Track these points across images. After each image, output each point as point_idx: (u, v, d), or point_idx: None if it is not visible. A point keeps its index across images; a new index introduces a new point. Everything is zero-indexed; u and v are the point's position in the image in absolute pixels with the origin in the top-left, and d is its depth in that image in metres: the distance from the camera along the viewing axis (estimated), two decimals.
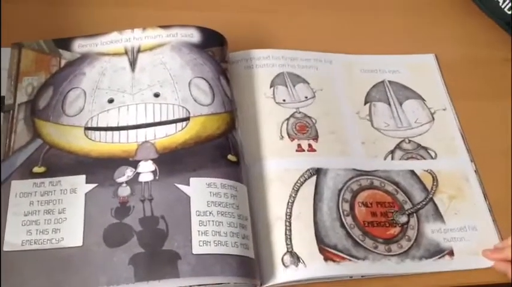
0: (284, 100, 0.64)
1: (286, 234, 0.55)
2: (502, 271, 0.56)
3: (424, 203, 0.60)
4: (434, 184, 0.62)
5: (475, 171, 0.63)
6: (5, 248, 0.49)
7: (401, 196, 0.60)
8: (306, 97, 0.65)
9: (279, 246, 0.54)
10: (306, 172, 0.59)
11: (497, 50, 0.74)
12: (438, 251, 0.57)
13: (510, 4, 0.71)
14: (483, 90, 0.71)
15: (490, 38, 0.75)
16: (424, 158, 0.63)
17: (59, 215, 0.51)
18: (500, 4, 0.72)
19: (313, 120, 0.63)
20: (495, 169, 0.64)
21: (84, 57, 0.60)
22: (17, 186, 0.52)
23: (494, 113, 0.69)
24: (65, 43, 0.61)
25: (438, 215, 0.59)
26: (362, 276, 0.55)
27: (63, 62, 0.59)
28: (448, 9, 0.78)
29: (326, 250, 0.54)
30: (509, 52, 0.73)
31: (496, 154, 0.65)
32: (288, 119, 0.62)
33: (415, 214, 0.59)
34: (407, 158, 0.63)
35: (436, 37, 0.75)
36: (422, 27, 0.76)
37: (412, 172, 0.62)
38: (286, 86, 0.65)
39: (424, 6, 0.78)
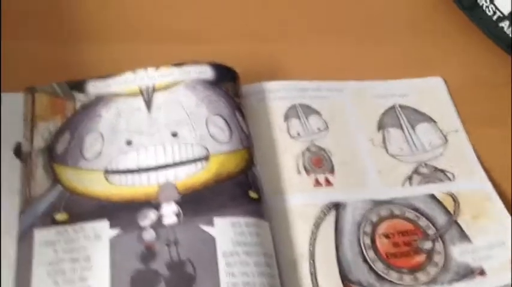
0: (298, 133, 0.64)
1: (311, 272, 0.54)
2: None
3: (447, 226, 0.60)
4: (456, 205, 0.62)
5: (495, 190, 0.63)
6: None
7: (423, 222, 0.60)
8: (319, 129, 0.65)
9: (304, 284, 0.54)
10: (325, 207, 0.58)
11: (502, 73, 0.75)
12: (468, 273, 0.57)
13: None
14: (491, 113, 0.71)
15: (495, 62, 0.76)
16: (442, 181, 0.64)
17: (85, 263, 0.50)
18: (505, 30, 0.73)
19: (328, 153, 0.63)
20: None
21: (99, 99, 0.59)
22: (41, 235, 0.51)
23: (505, 136, 0.69)
24: (79, 85, 0.60)
25: (464, 236, 0.59)
26: None
27: (78, 105, 0.59)
28: (454, 33, 0.78)
29: (351, 286, 0.54)
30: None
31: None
32: (303, 153, 0.62)
33: (439, 239, 0.59)
34: (426, 183, 0.63)
35: (442, 61, 0.75)
36: (429, 52, 0.76)
37: (432, 196, 0.62)
38: (299, 118, 0.65)
39: (428, 31, 0.78)
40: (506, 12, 0.72)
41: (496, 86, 0.74)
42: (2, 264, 0.50)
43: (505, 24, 0.72)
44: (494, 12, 0.73)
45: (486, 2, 0.74)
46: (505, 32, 0.73)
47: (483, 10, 0.75)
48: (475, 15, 0.76)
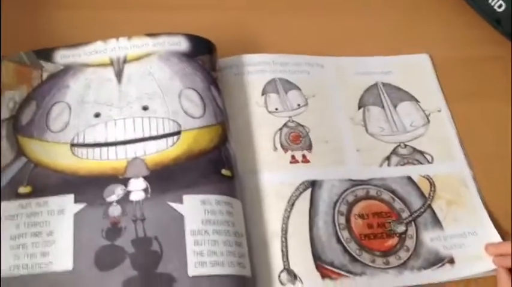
0: (276, 109, 0.62)
1: (282, 251, 0.53)
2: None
3: (422, 210, 0.59)
4: (432, 189, 0.60)
5: (472, 175, 0.62)
6: None
7: (398, 204, 0.59)
8: (299, 105, 0.63)
9: (275, 263, 0.53)
10: (301, 184, 0.57)
11: (487, 48, 0.73)
12: (438, 260, 0.56)
13: (499, 2, 0.70)
14: (476, 89, 0.70)
15: (481, 36, 0.74)
16: (421, 163, 0.62)
17: (47, 237, 0.48)
18: (490, 1, 0.70)
19: (307, 130, 0.61)
20: (492, 171, 0.63)
21: (68, 69, 0.57)
22: (3, 208, 0.49)
23: (489, 113, 0.67)
24: (46, 54, 0.58)
25: (437, 222, 0.58)
26: None
27: (45, 75, 0.57)
28: (438, 8, 0.76)
29: (323, 266, 0.53)
30: (499, 49, 0.72)
31: (492, 156, 0.64)
32: (281, 129, 0.60)
33: (413, 222, 0.58)
34: (404, 164, 0.62)
35: (427, 37, 0.73)
36: (414, 27, 0.74)
37: (409, 178, 0.61)
38: (278, 94, 0.63)
39: (415, 6, 0.76)
40: None
41: (481, 61, 0.72)
42: None
43: None
44: None
45: None
46: (490, 4, 0.71)
47: None
48: None
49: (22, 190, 0.50)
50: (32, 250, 0.48)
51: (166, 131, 0.54)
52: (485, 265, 0.56)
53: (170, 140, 0.53)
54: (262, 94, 0.63)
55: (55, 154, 0.52)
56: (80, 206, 0.50)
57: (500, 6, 0.69)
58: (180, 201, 0.50)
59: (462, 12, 0.75)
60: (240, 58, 0.65)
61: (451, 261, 0.56)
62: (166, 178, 0.51)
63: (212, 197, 0.51)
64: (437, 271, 0.55)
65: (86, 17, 0.64)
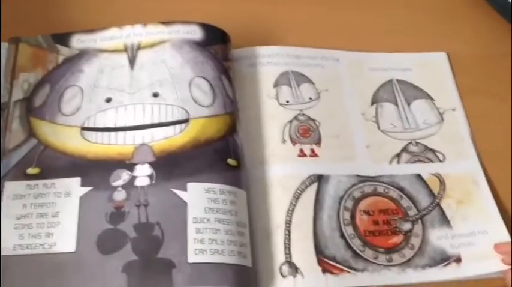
0: (287, 101, 0.62)
1: (285, 243, 0.53)
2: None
3: (430, 208, 0.58)
4: (442, 188, 0.60)
5: (485, 174, 0.61)
6: None
7: (406, 202, 0.58)
8: (310, 98, 0.63)
9: (277, 255, 0.53)
10: (308, 178, 0.57)
11: (506, 46, 0.72)
12: (444, 259, 0.55)
13: None
14: (492, 88, 0.68)
15: (499, 35, 0.73)
16: (432, 161, 0.61)
17: (52, 218, 0.49)
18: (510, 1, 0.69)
19: (317, 124, 0.61)
20: (505, 171, 0.62)
21: (83, 54, 0.58)
22: (11, 187, 0.50)
23: (505, 113, 0.66)
24: (63, 38, 0.59)
25: (445, 221, 0.58)
26: None
27: (60, 59, 0.58)
28: (458, 6, 0.75)
29: (325, 261, 0.53)
30: None
31: (505, 155, 0.63)
32: (290, 122, 0.60)
33: (420, 221, 0.57)
34: (414, 162, 0.61)
35: (447, 35, 0.72)
36: (433, 25, 0.73)
37: (419, 176, 0.60)
38: (291, 86, 0.63)
39: (434, 3, 0.75)
40: None
41: (499, 59, 0.71)
42: None
43: None
44: None
45: None
46: (509, 2, 0.69)
47: None
48: None
49: (30, 170, 0.51)
50: (36, 231, 0.49)
51: (175, 119, 0.54)
52: (493, 264, 0.55)
53: (178, 127, 0.54)
54: (274, 86, 0.63)
55: (65, 136, 0.53)
56: (86, 189, 0.51)
57: None
58: (184, 188, 0.50)
59: (482, 10, 0.74)
60: (254, 50, 0.65)
61: (458, 260, 0.55)
62: (172, 165, 0.52)
63: (216, 185, 0.51)
64: (443, 269, 0.55)
65: (102, 2, 0.65)
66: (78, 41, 0.59)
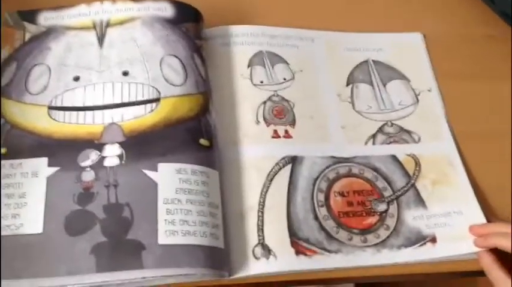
0: (262, 82, 0.61)
1: (258, 225, 0.53)
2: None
3: (405, 189, 0.58)
4: (417, 169, 0.59)
5: (460, 155, 0.61)
6: None
7: (381, 183, 0.58)
8: (285, 79, 0.62)
9: (250, 237, 0.52)
10: (281, 160, 0.56)
11: (480, 27, 0.72)
12: (419, 239, 0.55)
13: None
14: (467, 69, 0.68)
15: (474, 15, 0.73)
16: (407, 142, 0.61)
17: (19, 199, 0.48)
18: None
19: (291, 104, 0.60)
20: (480, 151, 0.62)
21: (50, 31, 0.56)
22: None
23: (481, 94, 0.66)
24: (30, 16, 0.57)
25: (420, 201, 0.57)
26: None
27: (27, 36, 0.56)
28: None
29: (298, 243, 0.52)
30: (492, 28, 0.71)
31: (480, 136, 0.62)
32: (264, 103, 0.59)
33: (395, 201, 0.57)
34: (389, 143, 0.61)
35: (421, 15, 0.72)
36: (407, 5, 0.72)
37: (394, 157, 0.60)
38: (265, 67, 0.62)
39: None
40: None
41: (474, 40, 0.71)
42: None
43: None
44: None
45: None
46: None
47: None
48: None
49: None
50: (3, 212, 0.47)
51: (145, 98, 0.53)
52: (468, 246, 0.55)
53: (149, 106, 0.52)
54: (248, 66, 0.62)
55: (32, 116, 0.52)
56: (54, 169, 0.49)
57: None
58: (155, 169, 0.49)
59: None
60: (228, 28, 0.63)
61: (433, 240, 0.55)
62: (142, 145, 0.50)
63: (188, 166, 0.50)
64: (418, 249, 0.54)
65: None
66: (45, 19, 0.57)
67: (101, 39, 0.56)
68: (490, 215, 0.58)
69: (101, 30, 0.56)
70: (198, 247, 0.47)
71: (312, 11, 0.69)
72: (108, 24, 0.56)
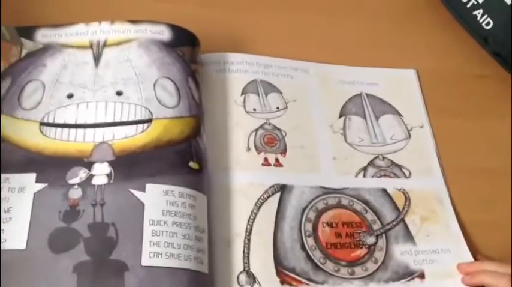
0: (255, 109, 0.61)
1: (244, 252, 0.52)
2: None
3: (394, 223, 0.58)
4: (407, 203, 0.59)
5: (449, 193, 0.61)
6: None
7: (370, 216, 0.57)
8: (278, 108, 0.62)
9: (235, 264, 0.51)
10: (270, 187, 0.56)
11: (474, 66, 0.73)
12: (407, 274, 0.55)
13: (487, 20, 0.69)
14: (460, 106, 0.69)
15: (468, 54, 0.74)
16: (398, 177, 0.61)
17: (5, 214, 0.47)
18: (478, 19, 0.70)
19: (283, 133, 0.60)
20: (469, 189, 0.62)
21: (47, 49, 0.56)
22: None
23: (470, 130, 0.67)
24: (28, 32, 0.57)
25: (409, 237, 0.57)
26: None
27: (24, 52, 0.56)
28: (428, 24, 0.76)
29: (283, 272, 0.52)
30: (485, 68, 0.72)
31: (469, 173, 0.63)
32: (256, 130, 0.60)
33: (384, 235, 0.57)
34: (380, 176, 0.61)
35: (415, 51, 0.73)
36: (403, 41, 0.74)
37: (384, 191, 0.60)
38: (258, 95, 0.62)
39: (405, 20, 0.76)
40: (480, 0, 0.69)
41: (467, 78, 0.72)
42: None
43: (478, 13, 0.69)
44: (469, 0, 0.70)
45: None
46: (478, 22, 0.70)
47: None
48: (451, 2, 0.74)
49: None
50: None
51: (138, 118, 0.53)
52: (456, 283, 0.55)
53: (140, 127, 0.52)
54: (242, 94, 0.62)
55: (23, 131, 0.51)
56: (41, 185, 0.49)
57: (488, 24, 0.69)
58: (143, 189, 0.49)
59: (452, 29, 0.75)
60: (224, 56, 0.64)
61: (422, 276, 0.55)
62: (132, 165, 0.50)
63: (176, 188, 0.50)
64: (406, 284, 0.54)
65: None
66: (43, 36, 0.57)
67: (96, 59, 0.56)
68: (477, 253, 0.58)
69: (97, 50, 0.56)
70: (181, 270, 0.47)
71: (307, 43, 0.70)
72: (105, 45, 0.57)
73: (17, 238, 0.46)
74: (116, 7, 0.63)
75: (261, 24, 0.69)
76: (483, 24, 0.69)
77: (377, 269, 0.54)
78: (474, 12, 0.70)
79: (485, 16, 0.69)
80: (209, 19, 0.65)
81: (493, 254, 0.57)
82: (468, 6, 0.70)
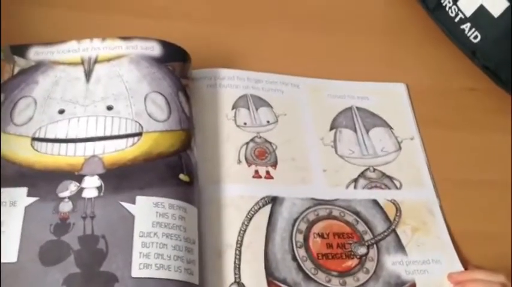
0: (245, 123, 0.62)
1: (235, 263, 0.52)
2: None
3: (385, 234, 0.58)
4: (397, 214, 0.60)
5: (439, 204, 0.62)
6: None
7: (361, 226, 0.58)
8: (268, 121, 0.63)
9: (226, 275, 0.52)
10: (261, 199, 0.56)
11: (463, 79, 0.74)
12: (399, 284, 0.55)
13: (475, 33, 0.70)
14: (449, 120, 0.70)
15: (457, 67, 0.75)
16: (389, 188, 0.62)
17: None
18: (466, 33, 0.71)
19: (274, 147, 0.61)
20: (460, 200, 0.63)
21: (39, 66, 0.57)
22: None
23: (460, 142, 0.68)
24: (20, 50, 0.58)
25: (400, 247, 0.57)
26: None
27: (16, 69, 0.57)
28: (418, 38, 0.77)
29: (274, 283, 0.52)
30: (474, 81, 0.73)
31: (459, 184, 0.64)
32: (247, 143, 0.60)
33: (375, 245, 0.57)
34: (371, 187, 0.61)
35: (405, 65, 0.74)
36: (394, 55, 0.75)
37: (375, 202, 0.60)
38: (249, 109, 0.63)
39: (395, 34, 0.77)
40: (468, 14, 0.70)
41: (456, 92, 0.73)
42: None
43: (466, 27, 0.70)
44: (457, 14, 0.71)
45: (450, 2, 0.72)
46: (466, 35, 0.71)
47: (446, 11, 0.72)
48: (439, 16, 0.75)
49: None
50: None
51: (128, 131, 0.53)
52: None
53: (130, 140, 0.53)
54: (233, 108, 0.63)
55: (15, 146, 0.52)
56: (32, 199, 0.49)
57: (476, 37, 0.70)
58: (133, 201, 0.49)
59: (441, 43, 0.76)
60: (215, 71, 0.65)
61: (413, 286, 0.55)
62: (122, 178, 0.51)
63: (166, 200, 0.50)
64: None
65: (62, 16, 0.65)
66: (36, 53, 0.58)
67: (88, 75, 0.57)
68: (468, 263, 0.58)
69: (88, 66, 0.57)
70: (171, 281, 0.47)
71: (298, 58, 0.71)
72: (96, 61, 0.57)
73: (8, 251, 0.47)
74: (109, 26, 0.64)
75: (252, 40, 0.70)
76: (471, 38, 0.70)
77: (368, 279, 0.54)
78: (462, 26, 0.71)
79: (473, 30, 0.70)
80: (201, 36, 0.66)
81: (483, 264, 0.57)
82: (456, 20, 0.71)
